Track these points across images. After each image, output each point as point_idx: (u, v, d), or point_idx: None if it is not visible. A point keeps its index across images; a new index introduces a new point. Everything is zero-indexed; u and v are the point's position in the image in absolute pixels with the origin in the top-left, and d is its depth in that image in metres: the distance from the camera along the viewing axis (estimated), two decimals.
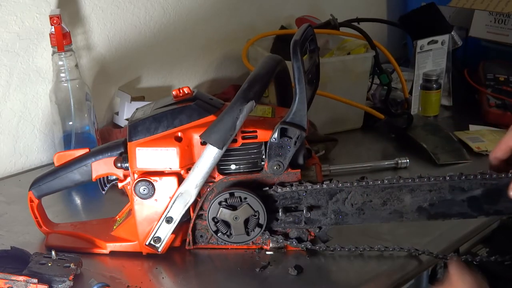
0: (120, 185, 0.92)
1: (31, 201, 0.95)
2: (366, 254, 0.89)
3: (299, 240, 0.89)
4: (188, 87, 0.90)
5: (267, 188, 0.87)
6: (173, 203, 0.87)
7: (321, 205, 0.87)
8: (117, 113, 1.38)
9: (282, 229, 0.89)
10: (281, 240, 0.89)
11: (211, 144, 0.84)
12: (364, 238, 0.92)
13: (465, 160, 1.21)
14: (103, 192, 0.94)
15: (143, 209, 0.88)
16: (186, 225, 0.90)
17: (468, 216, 0.85)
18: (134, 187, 0.87)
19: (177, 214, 0.88)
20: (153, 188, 0.87)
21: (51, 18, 1.14)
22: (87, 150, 0.94)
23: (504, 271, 1.08)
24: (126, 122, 1.30)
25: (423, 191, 0.84)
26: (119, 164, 0.90)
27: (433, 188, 0.83)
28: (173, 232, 0.89)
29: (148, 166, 0.87)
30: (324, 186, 0.86)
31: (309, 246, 0.89)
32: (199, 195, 0.88)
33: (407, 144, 1.29)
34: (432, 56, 1.42)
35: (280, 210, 0.87)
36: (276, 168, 0.86)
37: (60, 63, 1.17)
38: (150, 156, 0.87)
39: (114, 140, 1.01)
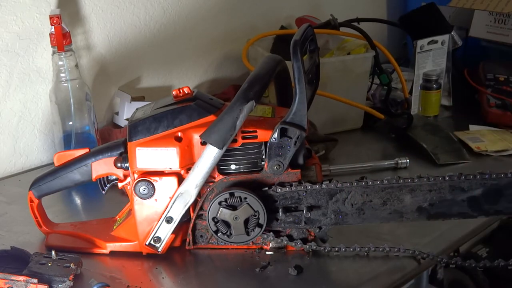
0: (120, 185, 0.92)
1: (31, 201, 0.95)
2: (366, 254, 0.89)
3: (304, 241, 0.89)
4: (188, 87, 0.90)
5: (267, 188, 0.87)
6: (173, 203, 0.87)
7: (321, 205, 0.87)
8: (117, 113, 1.38)
9: (282, 229, 0.89)
10: (285, 242, 0.89)
11: (211, 144, 0.84)
12: (364, 238, 0.92)
13: (465, 160, 1.21)
14: (103, 192, 0.94)
15: (143, 209, 0.88)
16: (186, 225, 0.90)
17: (468, 216, 0.85)
18: (134, 187, 0.87)
19: (177, 214, 0.88)
20: (153, 188, 0.87)
21: (51, 18, 1.14)
22: (87, 150, 0.94)
23: (504, 271, 1.08)
24: (126, 122, 1.30)
25: (423, 191, 0.84)
26: (119, 164, 0.90)
27: (433, 188, 0.83)
28: (173, 232, 0.89)
29: (148, 166, 0.87)
30: (324, 186, 0.86)
31: (314, 248, 0.89)
32: (199, 195, 0.88)
33: (407, 144, 1.29)
34: (432, 56, 1.42)
35: (280, 210, 0.87)
36: (276, 168, 0.86)
37: (60, 63, 1.18)
38: (150, 156, 0.87)
39: (114, 140, 1.01)
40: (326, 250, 0.89)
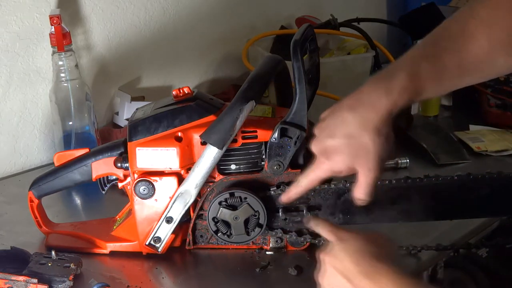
0: (120, 185, 0.92)
1: (31, 201, 0.95)
2: None
3: (299, 233, 0.89)
4: (188, 87, 0.90)
5: (267, 188, 0.87)
6: (173, 203, 0.87)
7: (330, 205, 0.86)
8: (117, 113, 1.38)
9: (290, 228, 0.89)
10: (280, 234, 0.89)
11: (211, 144, 0.84)
12: None
13: (465, 160, 1.21)
14: (103, 192, 0.94)
15: (143, 209, 0.88)
16: (186, 225, 0.90)
17: (476, 215, 0.84)
18: (134, 187, 0.87)
19: (177, 214, 0.88)
20: (153, 188, 0.87)
21: (51, 18, 1.14)
22: (87, 150, 0.94)
23: (504, 270, 1.08)
24: (126, 122, 1.30)
25: (432, 191, 0.83)
26: (119, 164, 0.90)
27: (441, 188, 0.83)
28: (173, 232, 0.89)
29: (148, 166, 0.87)
30: (333, 186, 0.85)
31: (309, 240, 0.88)
32: (199, 195, 0.88)
33: (407, 144, 1.29)
34: None
35: (280, 210, 0.87)
36: (276, 168, 0.86)
37: (60, 63, 1.17)
38: (150, 156, 0.87)
39: (114, 140, 1.01)
40: (320, 244, 0.88)
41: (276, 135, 0.85)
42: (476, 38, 0.71)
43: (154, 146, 0.87)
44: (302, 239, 0.89)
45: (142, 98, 1.38)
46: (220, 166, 0.88)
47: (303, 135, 0.85)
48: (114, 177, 0.93)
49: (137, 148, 0.87)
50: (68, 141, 1.21)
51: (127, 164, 0.89)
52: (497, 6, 0.70)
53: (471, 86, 1.48)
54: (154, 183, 0.87)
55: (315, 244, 0.89)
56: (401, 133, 1.33)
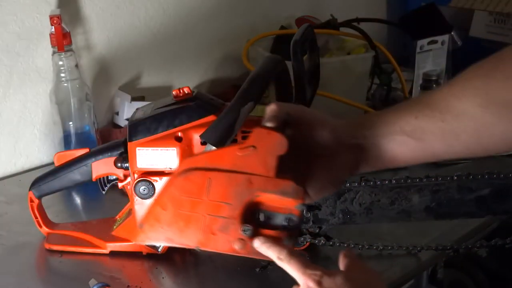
0: (120, 185, 0.92)
1: (31, 201, 0.95)
2: (366, 254, 0.89)
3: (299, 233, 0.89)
4: (188, 87, 0.89)
5: None
6: None
7: (329, 205, 0.86)
8: (117, 113, 1.38)
9: None
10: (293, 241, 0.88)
11: (211, 144, 0.83)
12: (363, 238, 0.92)
13: (465, 160, 1.21)
14: (103, 192, 0.94)
15: (143, 209, 0.88)
16: None
17: (476, 215, 0.84)
18: (134, 187, 0.87)
19: None
20: (153, 188, 0.87)
21: (51, 18, 1.14)
22: (87, 150, 0.94)
23: (504, 271, 1.08)
24: (126, 122, 1.30)
25: (431, 191, 0.83)
26: (119, 164, 0.90)
27: (441, 188, 0.83)
28: None
29: (148, 166, 0.87)
30: None
31: (309, 240, 0.88)
32: None
33: None
34: (432, 56, 1.42)
35: None
36: None
37: (60, 63, 1.18)
38: (150, 156, 0.87)
39: (114, 140, 1.01)
40: (324, 245, 0.89)
41: None
42: None
43: (154, 146, 0.86)
44: (302, 239, 0.89)
45: (142, 98, 1.38)
46: None
47: None
48: (114, 177, 0.93)
49: (137, 148, 0.87)
50: (68, 141, 1.21)
51: (127, 164, 0.89)
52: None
53: None
54: (154, 183, 0.87)
55: (315, 244, 0.89)
56: None
